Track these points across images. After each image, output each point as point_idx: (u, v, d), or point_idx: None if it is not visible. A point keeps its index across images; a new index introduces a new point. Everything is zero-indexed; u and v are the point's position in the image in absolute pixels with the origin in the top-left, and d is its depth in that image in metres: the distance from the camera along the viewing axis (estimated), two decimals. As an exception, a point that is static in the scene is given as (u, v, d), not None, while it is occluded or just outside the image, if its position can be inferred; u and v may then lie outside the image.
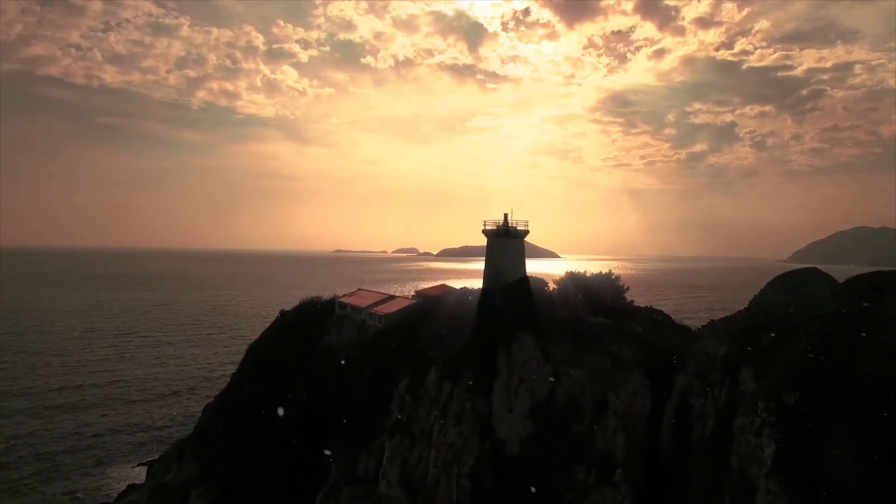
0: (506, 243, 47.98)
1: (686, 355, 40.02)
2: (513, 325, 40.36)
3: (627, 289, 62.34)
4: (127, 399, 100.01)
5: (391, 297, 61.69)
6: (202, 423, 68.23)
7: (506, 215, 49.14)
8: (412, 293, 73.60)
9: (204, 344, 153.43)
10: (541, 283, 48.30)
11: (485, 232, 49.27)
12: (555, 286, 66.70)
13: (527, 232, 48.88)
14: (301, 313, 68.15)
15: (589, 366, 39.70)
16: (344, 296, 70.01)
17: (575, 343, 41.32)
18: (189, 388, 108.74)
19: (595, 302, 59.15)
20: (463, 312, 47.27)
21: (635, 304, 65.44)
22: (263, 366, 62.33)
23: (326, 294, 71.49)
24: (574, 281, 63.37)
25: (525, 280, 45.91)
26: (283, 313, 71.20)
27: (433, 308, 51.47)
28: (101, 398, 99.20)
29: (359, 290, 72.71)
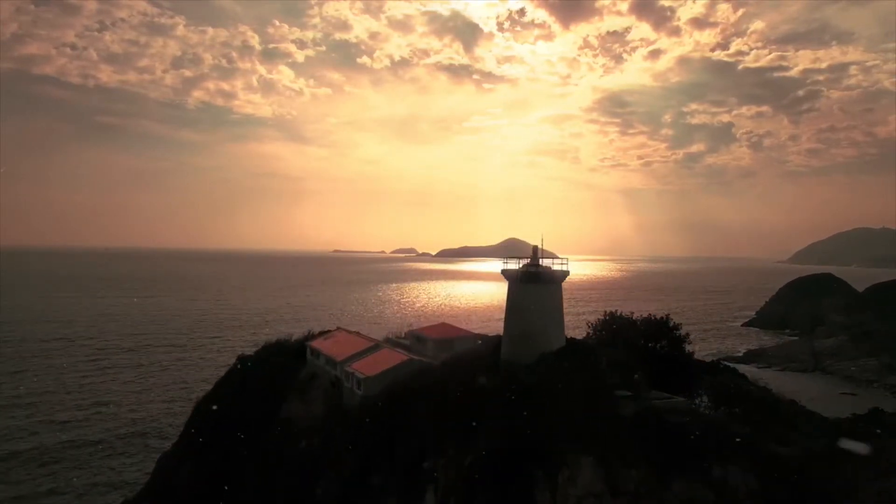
0: (537, 291, 32.66)
1: (836, 484, 25.19)
2: (558, 436, 25.51)
3: (688, 337, 47.44)
4: (86, 440, 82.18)
5: (376, 347, 46.70)
6: (146, 487, 54.36)
7: (535, 249, 34.07)
8: (405, 331, 59.09)
9: (191, 361, 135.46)
10: (587, 349, 33.15)
11: (505, 273, 34.21)
12: (589, 332, 51.81)
13: (566, 273, 33.86)
14: (263, 362, 53.17)
15: (681, 503, 24.82)
16: (318, 337, 55.19)
17: (653, 459, 26.36)
18: (157, 430, 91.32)
19: (643, 355, 44.33)
20: (476, 386, 32.44)
21: (695, 354, 50.97)
22: (207, 437, 47.46)
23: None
24: (616, 326, 48.57)
25: (570, 349, 30.75)
26: (240, 359, 56.11)
27: (432, 373, 36.60)
28: (53, 443, 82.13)
29: (338, 329, 57.74)
